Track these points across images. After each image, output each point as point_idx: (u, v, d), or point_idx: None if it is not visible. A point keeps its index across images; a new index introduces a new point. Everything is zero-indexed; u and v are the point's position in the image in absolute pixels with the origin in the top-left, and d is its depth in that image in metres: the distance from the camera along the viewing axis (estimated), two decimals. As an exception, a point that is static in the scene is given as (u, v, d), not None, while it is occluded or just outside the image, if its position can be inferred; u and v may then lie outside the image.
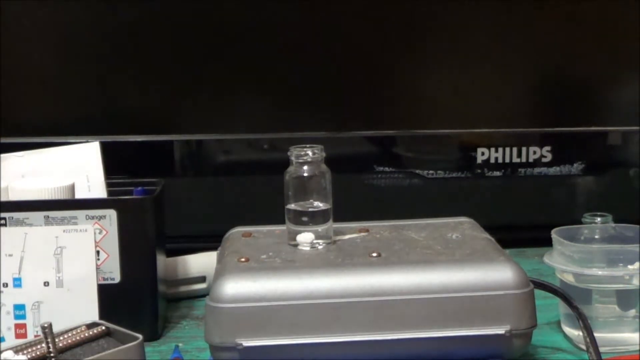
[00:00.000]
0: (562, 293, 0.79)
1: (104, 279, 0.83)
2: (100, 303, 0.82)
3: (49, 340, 0.69)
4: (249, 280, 0.74)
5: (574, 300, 0.78)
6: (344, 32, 1.08)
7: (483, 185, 1.11)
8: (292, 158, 0.82)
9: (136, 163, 0.99)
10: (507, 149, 1.10)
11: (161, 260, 0.88)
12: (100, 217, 0.82)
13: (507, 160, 1.11)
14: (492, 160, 1.10)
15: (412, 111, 1.11)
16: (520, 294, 0.74)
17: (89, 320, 0.75)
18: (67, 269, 0.82)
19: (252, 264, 0.77)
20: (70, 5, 1.03)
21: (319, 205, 0.82)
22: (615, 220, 0.87)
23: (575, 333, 0.82)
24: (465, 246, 0.80)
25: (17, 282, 0.81)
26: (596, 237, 0.86)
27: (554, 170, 1.11)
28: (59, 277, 0.82)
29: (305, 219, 0.81)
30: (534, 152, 1.11)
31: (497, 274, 0.74)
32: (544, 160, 1.11)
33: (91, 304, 0.82)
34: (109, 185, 0.90)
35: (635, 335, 0.81)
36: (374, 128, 1.09)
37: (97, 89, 1.06)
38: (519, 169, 1.11)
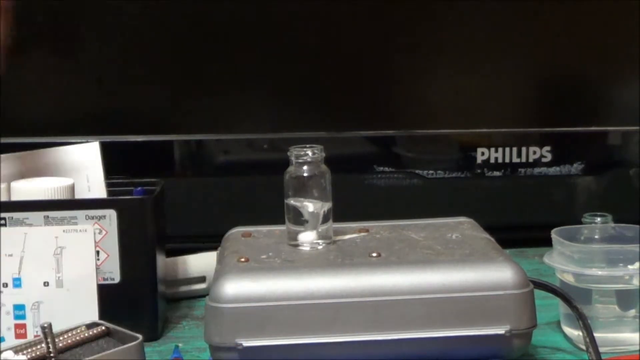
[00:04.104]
0: (562, 293, 0.79)
1: (104, 279, 0.83)
2: (100, 303, 0.82)
3: (49, 340, 0.69)
4: (249, 280, 0.74)
5: (574, 300, 0.78)
6: (344, 32, 1.07)
7: (483, 185, 1.11)
8: (292, 158, 0.82)
9: (136, 163, 0.99)
10: (507, 149, 1.10)
11: (161, 260, 0.88)
12: (100, 217, 0.82)
13: (507, 160, 1.11)
14: (492, 160, 1.10)
15: (412, 111, 1.11)
16: (520, 294, 0.74)
17: (88, 320, 0.75)
18: (67, 269, 0.82)
19: (252, 264, 0.77)
20: (70, 5, 1.03)
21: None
22: (615, 220, 0.87)
23: (575, 333, 0.82)
24: (465, 246, 0.80)
25: (17, 282, 0.81)
26: (596, 237, 0.86)
27: (554, 170, 1.11)
28: (58, 277, 0.82)
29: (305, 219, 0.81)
30: (534, 152, 1.11)
31: (497, 274, 0.74)
32: (544, 160, 1.11)
33: (91, 304, 0.82)
34: (109, 185, 0.90)
35: (635, 335, 0.81)
36: (374, 128, 1.09)
37: (97, 89, 1.06)
38: (519, 169, 1.11)
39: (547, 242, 0.84)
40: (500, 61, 1.10)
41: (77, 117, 1.06)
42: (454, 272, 0.74)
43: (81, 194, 0.87)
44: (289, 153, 0.82)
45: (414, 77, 1.10)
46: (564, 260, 0.82)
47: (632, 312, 0.81)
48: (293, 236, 0.82)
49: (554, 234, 0.84)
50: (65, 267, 0.82)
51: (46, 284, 0.82)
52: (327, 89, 1.08)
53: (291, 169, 0.82)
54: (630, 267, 0.81)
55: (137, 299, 0.84)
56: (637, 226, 0.85)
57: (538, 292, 0.76)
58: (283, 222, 0.83)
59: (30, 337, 0.82)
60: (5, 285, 0.81)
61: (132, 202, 0.85)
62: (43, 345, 0.69)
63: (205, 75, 1.06)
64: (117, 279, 0.83)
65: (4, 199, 0.83)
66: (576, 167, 1.11)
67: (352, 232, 0.85)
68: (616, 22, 1.10)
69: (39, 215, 0.81)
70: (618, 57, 1.11)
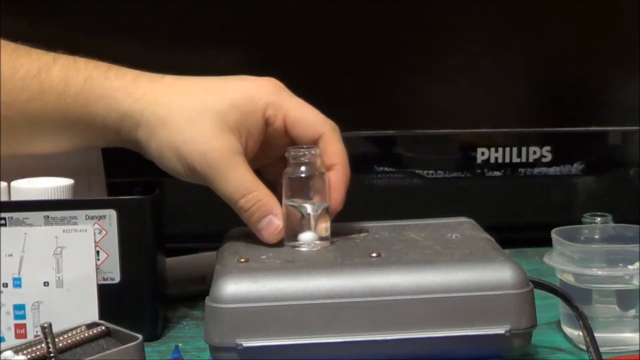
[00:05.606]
0: (562, 293, 0.79)
1: (104, 279, 0.83)
2: (100, 303, 0.82)
3: (49, 340, 0.69)
4: (249, 280, 0.74)
5: (574, 300, 0.78)
6: (344, 32, 1.07)
7: (483, 185, 1.11)
8: (290, 159, 0.82)
9: (136, 163, 0.98)
10: (507, 149, 1.10)
11: (161, 260, 0.88)
12: (100, 217, 0.82)
13: (507, 160, 1.10)
14: (492, 160, 1.10)
15: (412, 111, 1.11)
16: (520, 294, 0.74)
17: (89, 320, 0.75)
18: (67, 269, 0.82)
19: (252, 264, 0.77)
20: (69, 3, 1.03)
21: (319, 205, 0.82)
22: (615, 220, 0.87)
23: (575, 333, 0.82)
24: (465, 246, 0.80)
25: (17, 282, 0.81)
26: (596, 237, 0.86)
27: (554, 170, 1.11)
28: (58, 277, 0.82)
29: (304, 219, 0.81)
30: (534, 152, 1.11)
31: (497, 273, 0.74)
32: (544, 160, 1.11)
33: (91, 304, 0.82)
34: (109, 185, 0.90)
35: (635, 335, 0.81)
36: (374, 128, 1.09)
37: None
38: (519, 169, 1.11)
39: (547, 242, 0.84)
40: (500, 61, 1.10)
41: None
42: (453, 272, 0.74)
43: (81, 194, 0.87)
44: (287, 153, 0.82)
45: (414, 77, 1.10)
46: (564, 260, 0.82)
47: (632, 312, 0.81)
48: (292, 236, 0.82)
49: (554, 234, 0.84)
50: (65, 267, 0.82)
51: (46, 284, 0.82)
52: (326, 89, 1.08)
53: (289, 169, 0.82)
54: (630, 267, 0.81)
55: (137, 299, 0.84)
56: (637, 226, 0.85)
57: (538, 292, 0.76)
58: (282, 222, 0.83)
59: (30, 337, 0.82)
60: (5, 285, 0.81)
61: (132, 202, 0.85)
62: (43, 345, 0.69)
63: (205, 74, 1.06)
64: (117, 279, 0.83)
65: (4, 199, 0.83)
66: (576, 167, 1.11)
67: (352, 232, 0.85)
68: (616, 22, 1.10)
69: (39, 215, 0.81)
70: (618, 57, 1.11)
